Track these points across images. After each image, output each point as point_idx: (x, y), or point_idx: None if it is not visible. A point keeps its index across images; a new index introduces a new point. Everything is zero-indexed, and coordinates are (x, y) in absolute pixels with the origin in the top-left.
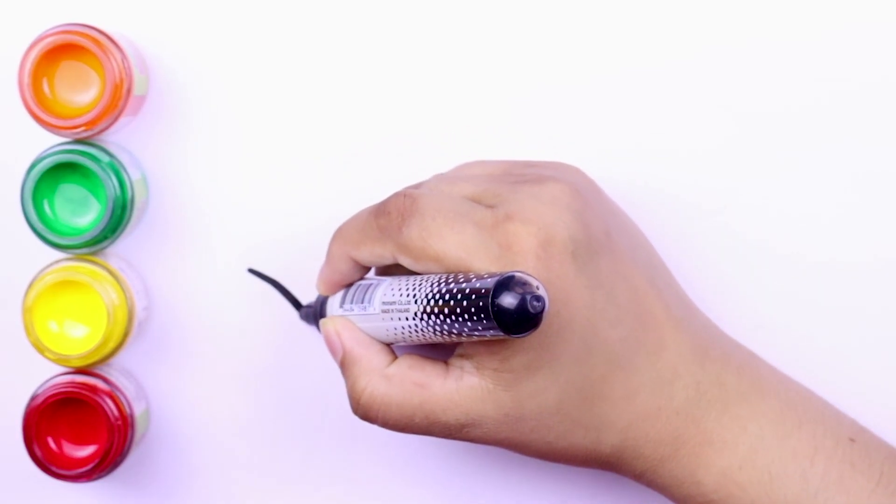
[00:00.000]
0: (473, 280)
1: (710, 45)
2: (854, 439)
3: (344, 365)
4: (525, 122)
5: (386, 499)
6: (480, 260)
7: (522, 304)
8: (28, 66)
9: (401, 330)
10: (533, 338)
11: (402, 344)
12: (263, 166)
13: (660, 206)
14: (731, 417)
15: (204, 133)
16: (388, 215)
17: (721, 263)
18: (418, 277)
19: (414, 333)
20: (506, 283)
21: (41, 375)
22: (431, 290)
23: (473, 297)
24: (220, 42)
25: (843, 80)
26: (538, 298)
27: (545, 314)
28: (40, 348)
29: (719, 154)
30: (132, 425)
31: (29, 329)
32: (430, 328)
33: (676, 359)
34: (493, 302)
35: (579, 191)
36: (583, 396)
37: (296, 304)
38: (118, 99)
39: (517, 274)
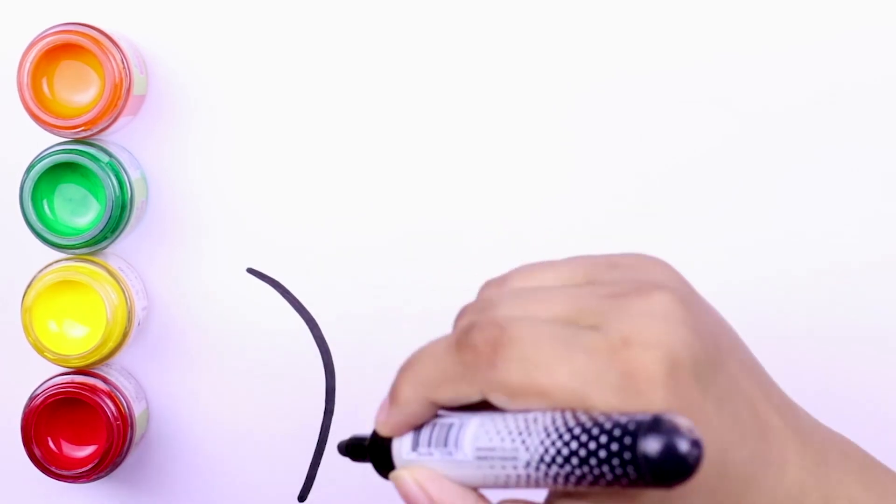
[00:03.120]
0: (603, 421)
1: (711, 46)
2: None
3: None
4: (525, 122)
5: (386, 498)
6: (600, 391)
7: (676, 452)
8: (27, 65)
9: (503, 478)
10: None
11: (501, 488)
12: (263, 166)
13: (659, 207)
14: None
15: (203, 133)
16: (475, 349)
17: (724, 264)
18: (521, 416)
19: (522, 482)
20: (655, 425)
21: (40, 375)
22: (548, 435)
23: (612, 440)
24: (220, 42)
25: (844, 81)
26: (695, 444)
27: (702, 461)
28: (39, 348)
29: (720, 155)
30: (132, 425)
31: (28, 329)
32: (544, 477)
33: (801, 472)
34: (640, 448)
35: (685, 299)
36: None
37: (296, 305)
38: (117, 99)
39: (665, 415)
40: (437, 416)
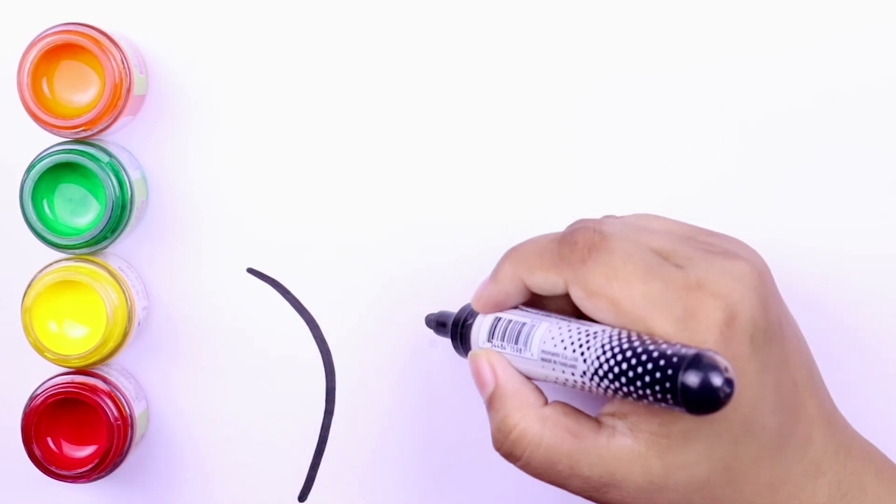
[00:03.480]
0: (653, 349)
1: (711, 47)
2: None
3: (494, 398)
4: (525, 122)
5: (387, 497)
6: (662, 318)
7: (712, 387)
8: (27, 65)
9: (562, 381)
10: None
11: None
12: (263, 166)
13: (659, 207)
14: None
15: (203, 133)
16: (575, 245)
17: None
18: (584, 329)
19: (577, 387)
20: (697, 362)
21: (40, 375)
22: (604, 352)
23: (657, 369)
24: (220, 42)
25: (844, 81)
26: (729, 383)
27: (732, 399)
28: (39, 348)
29: (720, 155)
30: (132, 425)
31: (28, 329)
32: (596, 387)
33: (822, 455)
34: (680, 379)
35: (763, 275)
36: (730, 477)
37: (296, 305)
38: (117, 99)
39: (708, 353)
40: (516, 308)
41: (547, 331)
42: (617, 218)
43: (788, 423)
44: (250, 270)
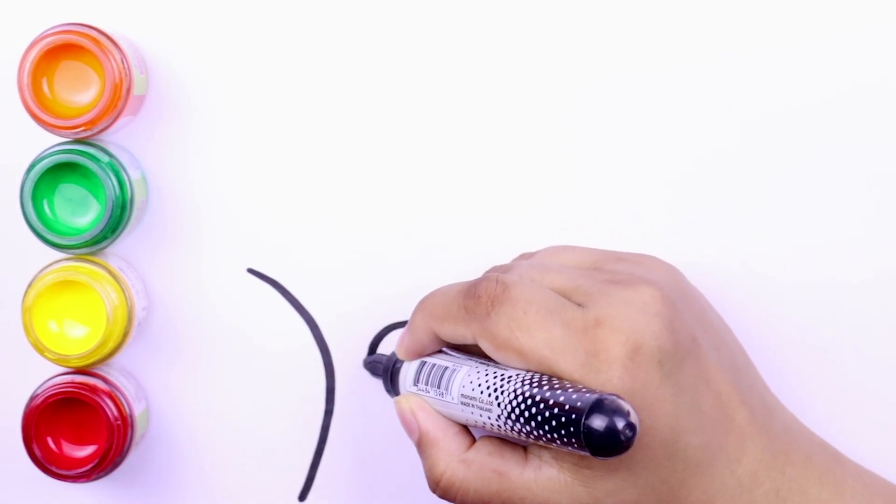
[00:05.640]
0: (560, 395)
1: (711, 47)
2: None
3: (421, 446)
4: (525, 122)
5: (387, 497)
6: (566, 363)
7: (614, 431)
8: (28, 65)
9: (480, 423)
10: None
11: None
12: (263, 166)
13: (659, 207)
14: None
15: (203, 133)
16: (478, 299)
17: (727, 266)
18: (499, 374)
19: (495, 431)
20: (598, 407)
21: (41, 375)
22: (515, 397)
23: (563, 414)
24: (220, 42)
25: (844, 81)
26: (631, 427)
27: (635, 440)
28: (40, 348)
29: (720, 155)
30: (132, 425)
31: (28, 329)
32: (511, 430)
33: (757, 465)
34: (584, 424)
35: (669, 296)
36: (660, 499)
37: (297, 305)
38: (118, 99)
39: (608, 398)
40: (441, 352)
41: (466, 375)
42: (526, 259)
43: (715, 438)
44: (250, 270)
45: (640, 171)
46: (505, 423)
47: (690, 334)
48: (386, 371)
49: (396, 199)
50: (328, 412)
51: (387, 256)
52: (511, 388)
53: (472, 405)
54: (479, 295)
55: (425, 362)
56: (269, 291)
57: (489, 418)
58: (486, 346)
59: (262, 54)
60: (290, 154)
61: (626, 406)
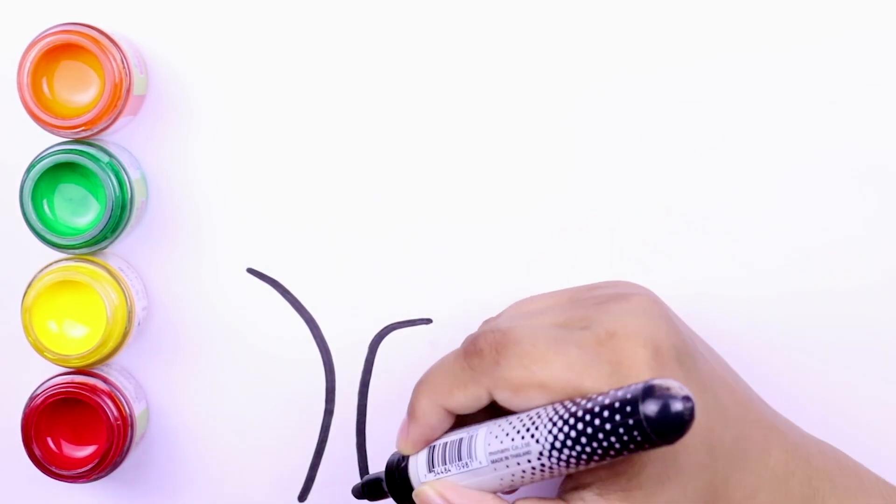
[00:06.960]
0: (602, 399)
1: (711, 46)
2: None
3: None
4: (525, 122)
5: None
6: (592, 378)
7: (675, 409)
8: (27, 65)
9: (519, 476)
10: (658, 450)
11: (517, 487)
12: (263, 166)
13: (659, 207)
14: None
15: (203, 133)
16: (481, 353)
17: (720, 263)
18: (524, 416)
19: (537, 474)
20: (650, 391)
21: (40, 375)
22: (554, 424)
23: (615, 413)
24: (220, 42)
25: (844, 81)
26: (688, 400)
27: (695, 414)
28: (39, 348)
29: (719, 155)
30: (132, 425)
31: (28, 329)
32: (557, 463)
33: (786, 455)
34: (642, 412)
35: (660, 303)
36: (709, 501)
37: (296, 305)
38: (118, 99)
39: (656, 381)
40: (448, 432)
41: (487, 434)
42: (498, 317)
43: (743, 432)
44: (250, 270)
45: (640, 171)
46: (549, 458)
47: (690, 336)
48: (391, 475)
49: (396, 198)
50: (328, 412)
51: (387, 257)
52: (545, 421)
53: (505, 458)
54: (480, 349)
55: (435, 446)
56: (269, 291)
57: (528, 462)
58: (503, 396)
59: (262, 54)
60: (290, 154)
61: (676, 383)
